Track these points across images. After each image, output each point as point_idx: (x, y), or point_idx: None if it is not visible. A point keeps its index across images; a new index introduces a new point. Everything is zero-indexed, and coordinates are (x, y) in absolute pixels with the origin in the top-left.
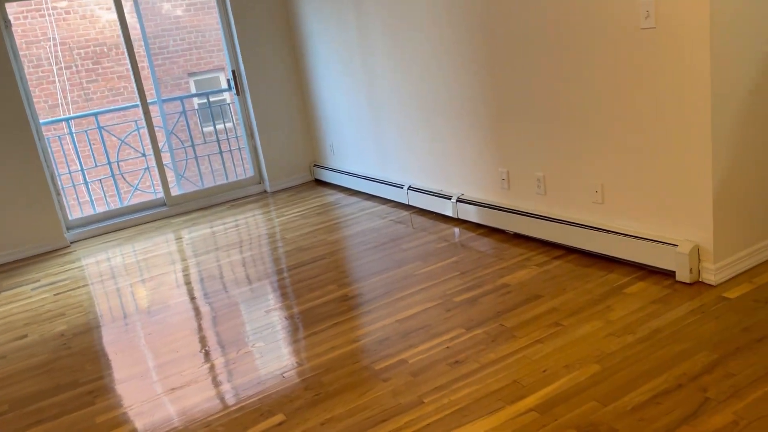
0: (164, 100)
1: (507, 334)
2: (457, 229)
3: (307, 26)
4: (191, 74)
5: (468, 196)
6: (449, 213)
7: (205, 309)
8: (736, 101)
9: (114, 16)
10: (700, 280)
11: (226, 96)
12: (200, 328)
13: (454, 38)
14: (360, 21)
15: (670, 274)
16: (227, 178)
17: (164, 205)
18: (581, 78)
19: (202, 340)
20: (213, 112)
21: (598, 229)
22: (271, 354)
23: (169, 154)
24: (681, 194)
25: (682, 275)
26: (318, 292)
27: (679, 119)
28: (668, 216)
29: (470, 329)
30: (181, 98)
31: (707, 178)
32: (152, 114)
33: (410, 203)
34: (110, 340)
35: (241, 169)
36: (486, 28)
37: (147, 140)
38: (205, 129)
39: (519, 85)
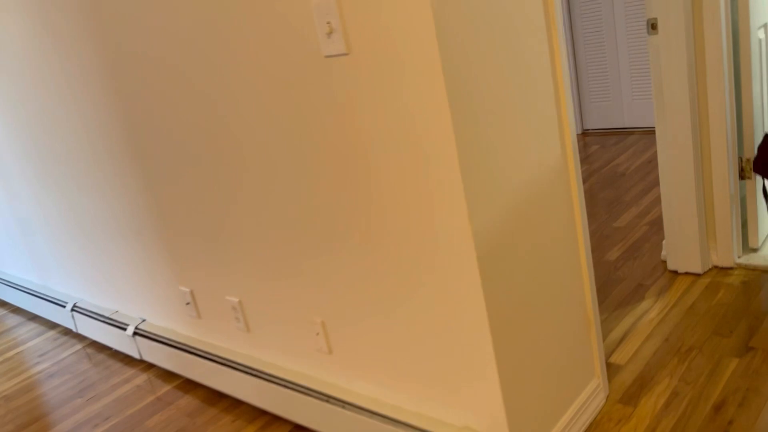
0: None
1: None
2: (144, 378)
3: None
4: None
5: (148, 326)
6: (133, 353)
7: None
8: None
9: None
10: None
11: None
12: None
13: (103, 145)
14: None
15: None
16: None
17: None
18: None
19: None
20: None
21: (331, 400)
22: None
23: None
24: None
25: None
26: None
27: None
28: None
29: None
30: None
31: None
32: None
33: (79, 331)
34: None
35: None
36: (137, 142)
37: None
38: None
39: (184, 175)
